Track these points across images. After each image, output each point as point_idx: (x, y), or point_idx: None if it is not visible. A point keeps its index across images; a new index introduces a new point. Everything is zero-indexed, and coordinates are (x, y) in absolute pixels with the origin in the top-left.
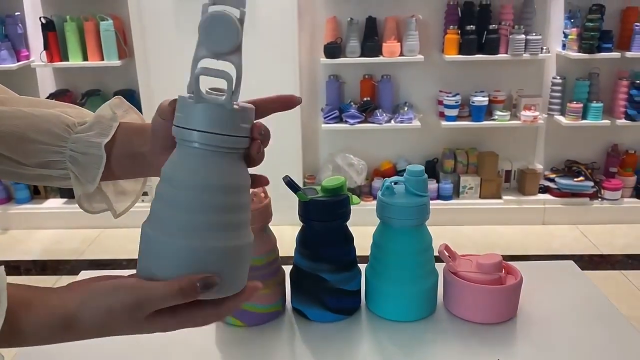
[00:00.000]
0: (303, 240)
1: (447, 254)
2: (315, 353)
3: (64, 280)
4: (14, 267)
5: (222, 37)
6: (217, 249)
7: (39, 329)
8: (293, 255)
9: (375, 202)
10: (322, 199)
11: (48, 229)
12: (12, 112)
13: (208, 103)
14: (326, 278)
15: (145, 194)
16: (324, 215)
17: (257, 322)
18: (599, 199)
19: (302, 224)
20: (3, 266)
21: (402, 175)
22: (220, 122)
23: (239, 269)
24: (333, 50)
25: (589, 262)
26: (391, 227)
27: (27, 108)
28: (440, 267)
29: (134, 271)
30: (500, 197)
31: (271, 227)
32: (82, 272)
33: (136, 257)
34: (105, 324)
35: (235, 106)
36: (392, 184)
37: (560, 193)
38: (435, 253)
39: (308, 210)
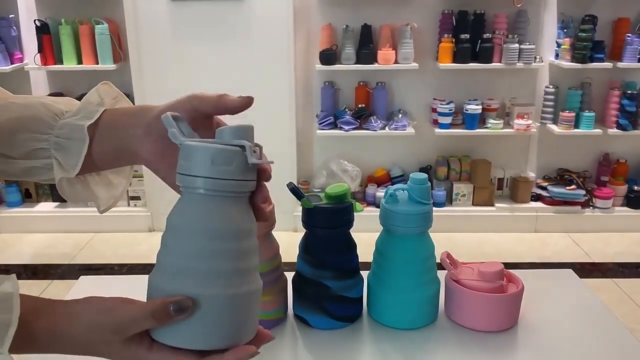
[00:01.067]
0: (306, 246)
1: (449, 261)
2: None
3: (55, 285)
4: (4, 271)
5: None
6: (226, 296)
7: (46, 337)
8: (290, 261)
9: (369, 208)
10: (326, 206)
11: (39, 233)
12: (1, 104)
13: (216, 149)
14: (329, 285)
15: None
16: (328, 222)
17: None
18: (591, 208)
19: (304, 230)
20: (15, 274)
21: (396, 182)
22: (233, 168)
23: (246, 316)
24: (328, 56)
25: (581, 270)
26: (394, 234)
27: (14, 98)
28: (442, 274)
29: (126, 276)
30: (492, 205)
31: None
32: (82, 277)
33: (127, 261)
34: (86, 342)
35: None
36: (395, 191)
37: (552, 201)
38: (437, 260)
39: (312, 217)
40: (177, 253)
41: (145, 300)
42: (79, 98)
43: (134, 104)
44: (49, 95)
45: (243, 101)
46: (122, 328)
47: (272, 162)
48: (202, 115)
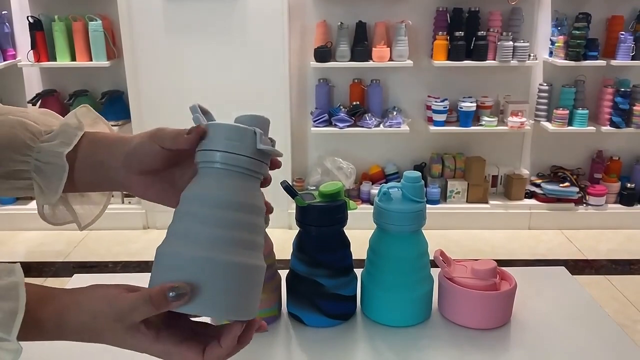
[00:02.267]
0: (300, 244)
1: (442, 259)
2: (311, 358)
3: (49, 283)
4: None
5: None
6: (235, 264)
7: (52, 325)
8: (284, 259)
9: (363, 205)
10: (319, 204)
11: (32, 231)
12: None
13: (231, 126)
14: (322, 283)
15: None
16: (322, 220)
17: None
18: (584, 205)
19: (298, 228)
20: (19, 263)
21: (390, 180)
22: (246, 145)
23: (251, 291)
24: (323, 54)
25: (574, 266)
26: (388, 232)
27: None
28: (435, 272)
29: (120, 274)
30: (487, 202)
31: None
32: (75, 275)
33: (121, 259)
34: (92, 330)
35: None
36: (389, 190)
37: (545, 198)
38: (430, 258)
39: (306, 215)
40: (191, 219)
41: (152, 272)
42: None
43: (128, 100)
44: (43, 91)
45: (193, 138)
46: (124, 315)
47: (282, 155)
48: (166, 150)
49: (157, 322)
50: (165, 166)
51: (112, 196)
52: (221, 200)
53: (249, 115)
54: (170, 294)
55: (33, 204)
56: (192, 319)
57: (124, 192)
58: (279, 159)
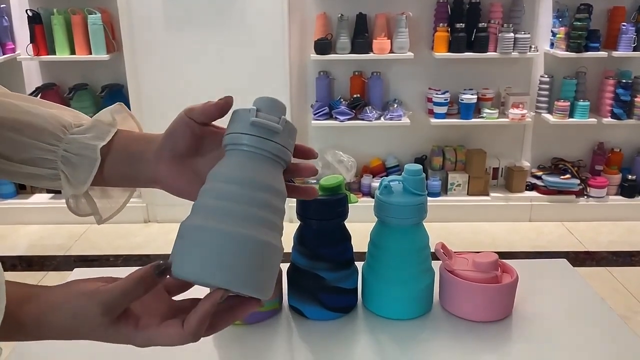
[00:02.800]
0: (301, 238)
1: (443, 252)
2: (312, 351)
3: (51, 276)
4: None
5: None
6: (260, 241)
7: (33, 325)
8: (286, 252)
9: (364, 199)
10: (320, 197)
11: (34, 225)
12: (6, 105)
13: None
14: (323, 276)
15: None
16: (322, 213)
17: (254, 320)
18: (585, 197)
19: (299, 222)
20: None
21: (391, 173)
22: (271, 131)
23: (271, 270)
24: (323, 46)
25: (575, 258)
26: (389, 225)
27: (22, 103)
28: (436, 265)
29: (121, 268)
30: (487, 194)
31: None
32: (76, 269)
33: (122, 253)
34: (72, 330)
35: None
36: (390, 183)
37: (546, 190)
38: (432, 251)
39: (306, 209)
40: (216, 195)
41: (174, 247)
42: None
43: (127, 94)
44: (42, 85)
45: (223, 103)
46: (113, 307)
47: (279, 129)
48: (200, 125)
49: (136, 309)
50: (194, 149)
51: (134, 192)
52: (246, 178)
53: (267, 98)
54: (155, 271)
55: (34, 198)
56: (174, 297)
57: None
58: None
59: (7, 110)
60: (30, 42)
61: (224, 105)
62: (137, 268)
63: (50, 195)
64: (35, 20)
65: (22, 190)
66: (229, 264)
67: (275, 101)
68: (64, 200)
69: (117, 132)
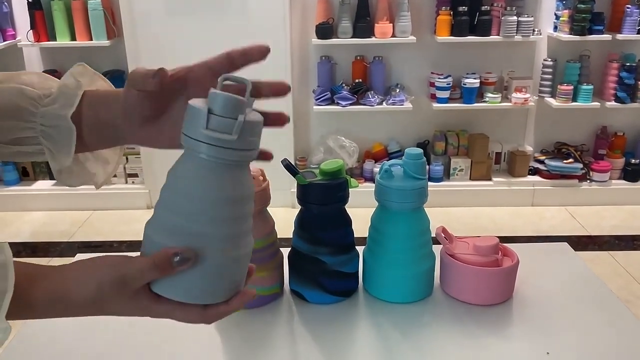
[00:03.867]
0: (301, 223)
1: (444, 236)
2: (314, 334)
3: (54, 263)
4: None
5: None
6: (232, 259)
7: (44, 303)
8: (287, 237)
9: (366, 184)
10: (320, 182)
11: (37, 211)
12: None
13: (221, 116)
14: (324, 260)
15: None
16: (323, 198)
17: (256, 305)
18: (588, 181)
19: (300, 206)
20: (6, 242)
21: (393, 158)
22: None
23: (234, 277)
24: (325, 30)
25: (577, 243)
26: (390, 210)
27: None
28: (437, 249)
29: (125, 253)
30: (490, 179)
31: None
32: (78, 254)
33: (126, 239)
34: (96, 300)
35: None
36: (390, 167)
37: (549, 175)
38: (432, 235)
39: (307, 194)
40: (175, 211)
41: (140, 249)
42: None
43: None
44: (43, 72)
45: (157, 82)
46: (130, 280)
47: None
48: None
49: None
50: (159, 110)
51: (127, 162)
52: (210, 196)
53: (221, 97)
54: (175, 259)
55: (38, 185)
56: None
57: (127, 173)
58: (269, 151)
59: None
60: (31, 29)
61: (159, 83)
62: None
63: (53, 182)
64: (35, 6)
65: (25, 177)
66: (209, 288)
67: (229, 99)
68: (67, 187)
69: (85, 95)
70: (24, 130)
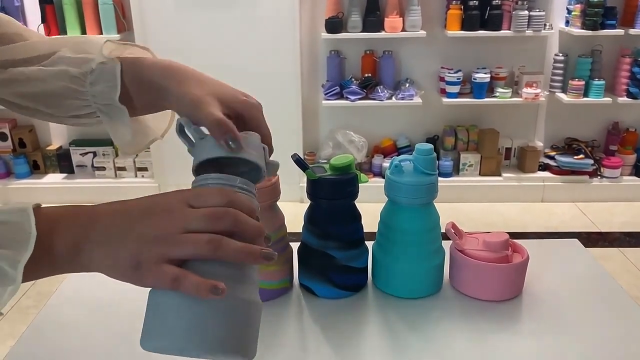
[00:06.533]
0: (311, 217)
1: (453, 231)
2: (323, 329)
3: None
4: None
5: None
6: (242, 303)
7: (69, 229)
8: (297, 232)
9: (375, 179)
10: (330, 177)
11: (48, 204)
12: (35, 74)
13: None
14: (334, 255)
15: None
16: (333, 193)
17: (265, 298)
18: (599, 177)
19: (309, 201)
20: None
21: (402, 153)
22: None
23: (249, 327)
24: (334, 25)
25: (588, 239)
26: (399, 205)
27: (27, 69)
28: (446, 244)
29: None
30: (500, 175)
31: None
32: None
33: None
34: (119, 214)
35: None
36: (400, 162)
37: (560, 171)
38: (442, 231)
39: (316, 189)
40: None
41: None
42: None
43: None
44: None
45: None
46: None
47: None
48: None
49: None
50: None
51: (137, 156)
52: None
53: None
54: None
55: (48, 178)
56: None
57: (137, 167)
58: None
59: (39, 80)
60: (42, 22)
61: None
62: None
63: (64, 175)
64: (46, 0)
65: (36, 170)
66: (211, 331)
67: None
68: (77, 180)
69: (123, 71)
70: (81, 108)
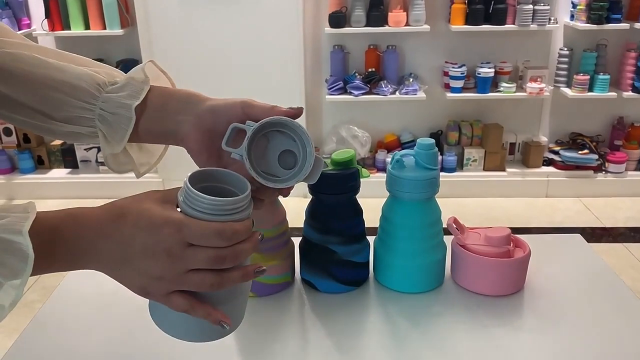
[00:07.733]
0: (313, 212)
1: (455, 226)
2: (324, 323)
3: None
4: None
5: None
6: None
7: (94, 222)
8: (298, 226)
9: (379, 174)
10: (332, 172)
11: (52, 199)
12: (44, 63)
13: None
14: (335, 250)
15: None
16: (334, 188)
17: (267, 293)
18: (603, 172)
19: (311, 196)
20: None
21: (406, 148)
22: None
23: (239, 313)
24: (338, 19)
25: (592, 234)
26: (401, 200)
27: (53, 60)
28: (448, 239)
29: None
30: (504, 170)
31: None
32: None
33: None
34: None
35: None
36: (402, 157)
37: (564, 166)
38: (444, 226)
39: (318, 183)
40: None
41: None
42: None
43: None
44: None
45: (294, 112)
46: (170, 197)
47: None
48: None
49: None
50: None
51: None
52: None
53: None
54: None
55: (53, 173)
56: None
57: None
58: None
59: (46, 67)
60: (45, 18)
61: (295, 115)
62: None
63: (68, 170)
64: None
65: (40, 165)
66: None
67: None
68: (82, 175)
69: (151, 89)
70: (82, 110)
